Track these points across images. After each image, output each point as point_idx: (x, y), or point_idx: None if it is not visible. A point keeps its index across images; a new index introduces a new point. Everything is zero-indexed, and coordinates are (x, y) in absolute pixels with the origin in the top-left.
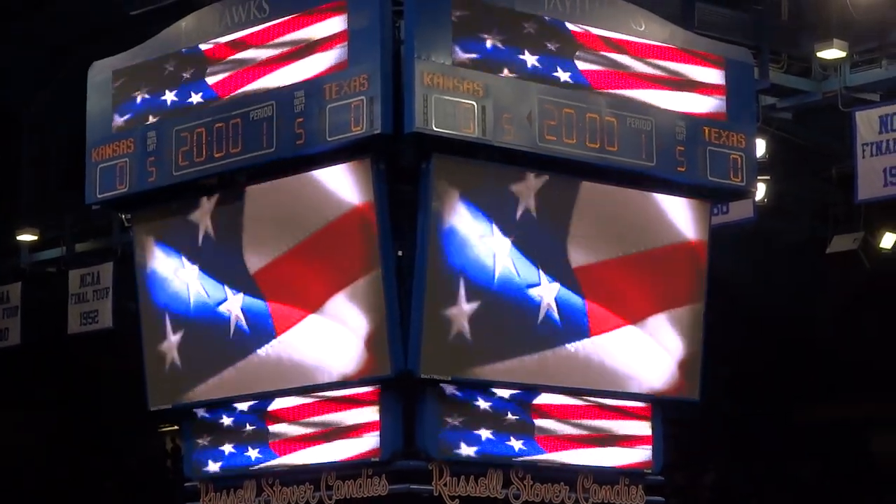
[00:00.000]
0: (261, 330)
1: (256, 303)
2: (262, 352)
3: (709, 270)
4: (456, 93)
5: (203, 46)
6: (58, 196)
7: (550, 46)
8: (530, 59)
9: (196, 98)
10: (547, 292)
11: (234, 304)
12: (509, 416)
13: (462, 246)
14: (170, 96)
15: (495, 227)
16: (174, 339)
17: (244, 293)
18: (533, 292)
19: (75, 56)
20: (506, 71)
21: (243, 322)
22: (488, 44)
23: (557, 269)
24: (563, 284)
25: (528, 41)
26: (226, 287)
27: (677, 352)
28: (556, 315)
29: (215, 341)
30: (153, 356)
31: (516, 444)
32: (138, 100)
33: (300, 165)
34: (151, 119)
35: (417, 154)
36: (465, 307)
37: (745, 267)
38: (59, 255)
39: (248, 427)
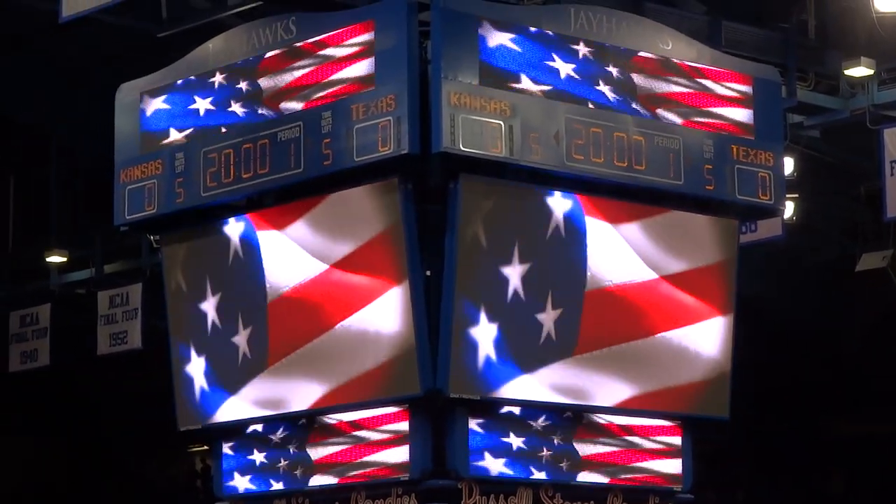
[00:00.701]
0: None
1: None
2: (286, 372)
3: (737, 289)
4: (483, 112)
5: (231, 67)
6: (86, 218)
7: (581, 67)
8: (558, 79)
9: (224, 119)
10: (551, 316)
11: (244, 336)
12: (539, 434)
13: (487, 266)
14: (198, 117)
15: (516, 250)
16: (200, 360)
17: (253, 325)
18: (540, 316)
19: (101, 78)
20: (534, 90)
21: (254, 349)
22: (517, 64)
23: (568, 294)
24: (566, 309)
25: (555, 63)
26: (240, 319)
27: (706, 370)
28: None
29: (232, 366)
30: (181, 377)
31: (545, 464)
32: (166, 121)
33: (328, 186)
34: (179, 140)
35: (445, 174)
36: (489, 327)
37: (773, 285)
38: (88, 276)
39: (278, 447)
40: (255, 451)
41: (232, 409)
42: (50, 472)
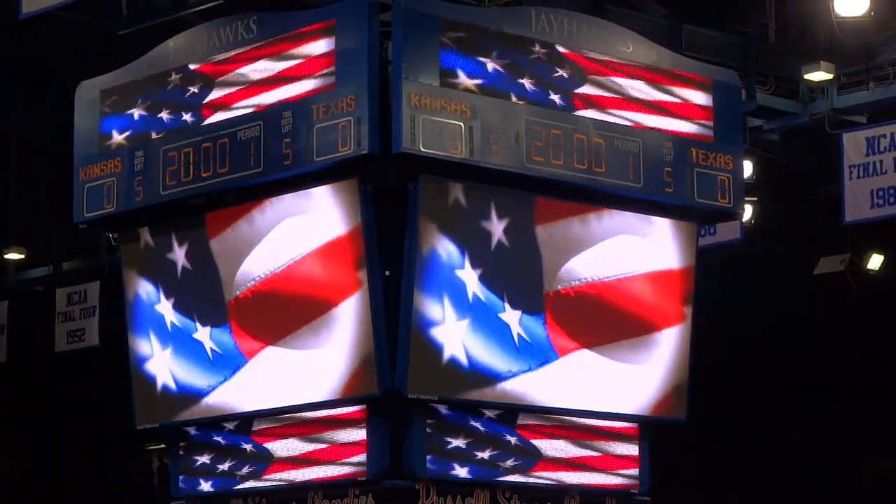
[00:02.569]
0: (236, 354)
1: (224, 333)
2: (246, 373)
3: (695, 292)
4: (443, 113)
5: (191, 66)
6: (45, 215)
7: (540, 69)
8: (518, 82)
9: (184, 118)
10: (513, 318)
11: (204, 335)
12: (496, 436)
13: (447, 267)
14: (160, 114)
15: (467, 257)
16: (159, 359)
17: (213, 326)
18: (502, 317)
19: (60, 76)
20: (493, 92)
21: (216, 349)
22: (476, 66)
23: (525, 297)
24: (526, 312)
25: (517, 63)
26: (196, 320)
27: (663, 373)
28: (526, 338)
29: (197, 364)
30: (139, 375)
31: (503, 465)
32: (126, 118)
33: (287, 185)
34: (139, 138)
35: (405, 175)
36: (451, 328)
37: (732, 288)
38: (46, 273)
39: (236, 446)
40: (213, 450)
41: (190, 408)
42: (8, 469)
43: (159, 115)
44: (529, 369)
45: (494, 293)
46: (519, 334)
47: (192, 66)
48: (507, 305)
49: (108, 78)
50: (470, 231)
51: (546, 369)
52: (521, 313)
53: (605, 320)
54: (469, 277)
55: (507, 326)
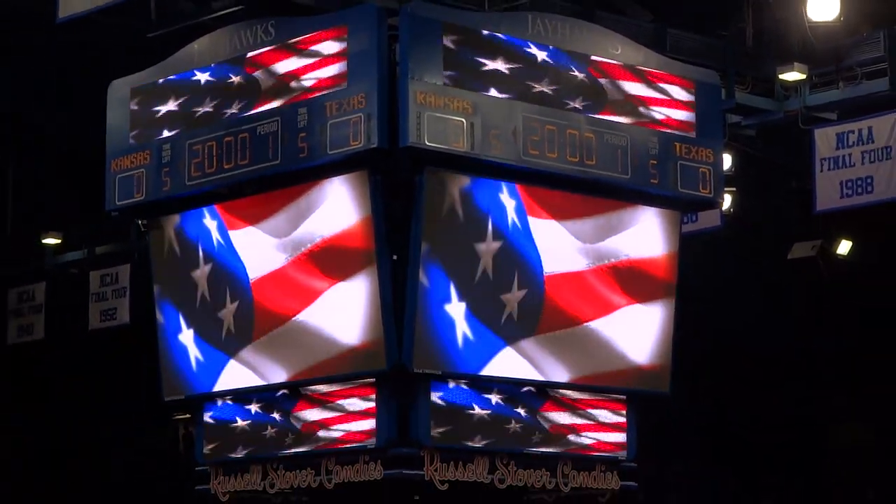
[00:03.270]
0: (250, 331)
1: (249, 307)
2: (264, 345)
3: (679, 274)
4: (447, 110)
5: (214, 66)
6: (80, 203)
7: (535, 69)
8: (516, 81)
9: (207, 114)
10: (512, 297)
11: (229, 312)
12: (496, 408)
13: (452, 249)
14: (184, 112)
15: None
16: (184, 334)
17: (241, 300)
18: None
19: (93, 72)
20: (493, 91)
21: (233, 325)
22: (477, 66)
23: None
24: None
25: (514, 64)
26: (227, 294)
27: (650, 350)
28: (516, 315)
29: (217, 339)
30: (166, 350)
31: (500, 435)
32: (155, 115)
33: (302, 176)
34: (166, 133)
35: (411, 166)
36: (455, 306)
37: (712, 272)
38: (80, 257)
39: (255, 417)
40: (235, 421)
41: (214, 380)
42: (40, 438)
43: (184, 111)
44: (526, 345)
45: (503, 272)
46: (513, 313)
47: (214, 66)
48: (514, 286)
49: (138, 77)
50: (479, 212)
51: (542, 346)
52: (525, 291)
53: (596, 302)
54: (484, 255)
55: (504, 305)
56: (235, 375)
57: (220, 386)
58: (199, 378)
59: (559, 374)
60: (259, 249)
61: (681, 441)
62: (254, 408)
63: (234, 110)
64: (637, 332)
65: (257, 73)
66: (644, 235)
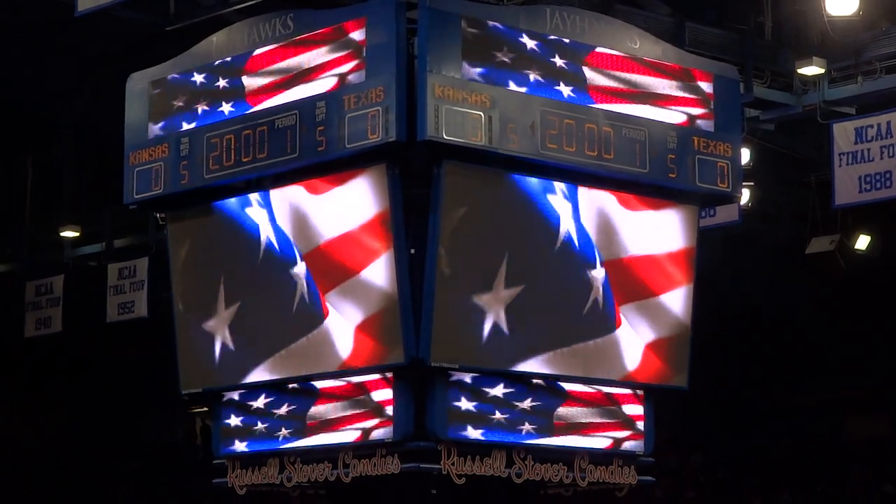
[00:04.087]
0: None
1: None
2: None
3: (697, 269)
4: (465, 104)
5: (233, 60)
6: (98, 196)
7: (553, 63)
8: (534, 76)
9: (226, 108)
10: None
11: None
12: (513, 402)
13: (469, 243)
14: (202, 105)
15: (497, 232)
16: (202, 327)
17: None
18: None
19: (111, 66)
20: (511, 85)
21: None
22: (495, 61)
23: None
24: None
25: (532, 60)
26: (243, 291)
27: (666, 343)
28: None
29: (234, 333)
30: (184, 343)
31: (519, 428)
32: (173, 108)
33: (321, 170)
34: (185, 126)
35: (429, 160)
36: (473, 301)
37: (730, 266)
38: (99, 250)
39: (273, 410)
40: (252, 414)
41: (230, 374)
42: (59, 432)
43: (204, 105)
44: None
45: (519, 268)
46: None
47: (233, 60)
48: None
49: (157, 70)
50: (497, 205)
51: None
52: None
53: (618, 294)
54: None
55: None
56: (249, 369)
57: (234, 379)
58: (216, 372)
59: (577, 369)
60: (285, 239)
61: (699, 435)
62: (268, 401)
63: (252, 103)
64: (655, 328)
65: (276, 66)
66: (662, 230)
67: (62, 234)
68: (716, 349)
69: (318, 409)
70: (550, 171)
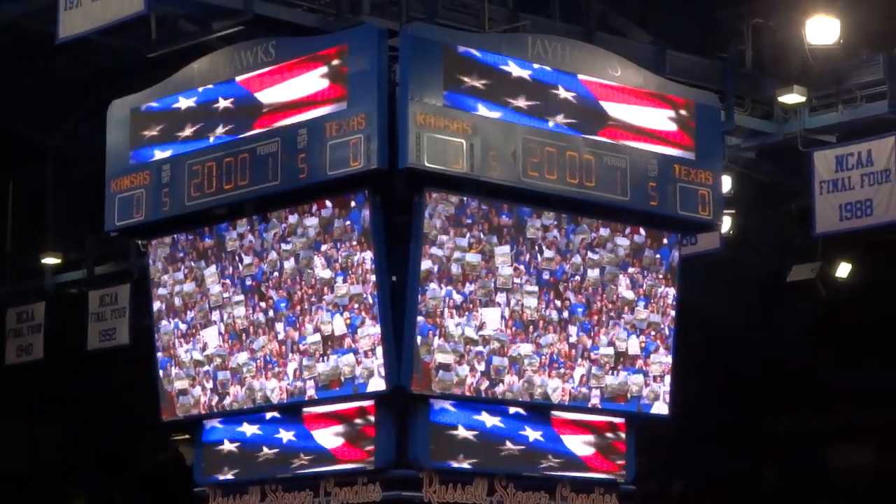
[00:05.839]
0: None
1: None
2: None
3: (679, 297)
4: (446, 131)
5: (215, 87)
6: (80, 223)
7: (536, 91)
8: (515, 104)
9: (208, 135)
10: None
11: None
12: (493, 430)
13: (448, 271)
14: (184, 132)
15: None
16: (180, 354)
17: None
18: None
19: (96, 93)
20: (493, 113)
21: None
22: (477, 89)
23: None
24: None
25: (514, 87)
26: (221, 315)
27: (648, 366)
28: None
29: (211, 360)
30: (164, 370)
31: (499, 457)
32: (155, 135)
33: (302, 197)
34: (166, 153)
35: (411, 187)
36: (453, 329)
37: (712, 294)
38: (80, 277)
39: (254, 438)
40: (233, 441)
41: (211, 401)
42: (44, 460)
43: (185, 132)
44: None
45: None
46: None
47: (215, 87)
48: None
49: (138, 97)
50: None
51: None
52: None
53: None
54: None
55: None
56: (231, 396)
57: (215, 406)
58: (195, 398)
59: (559, 395)
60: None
61: (681, 463)
62: (252, 429)
63: (234, 131)
64: (637, 356)
65: (258, 94)
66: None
67: (44, 260)
68: (697, 377)
69: (300, 436)
70: (531, 198)
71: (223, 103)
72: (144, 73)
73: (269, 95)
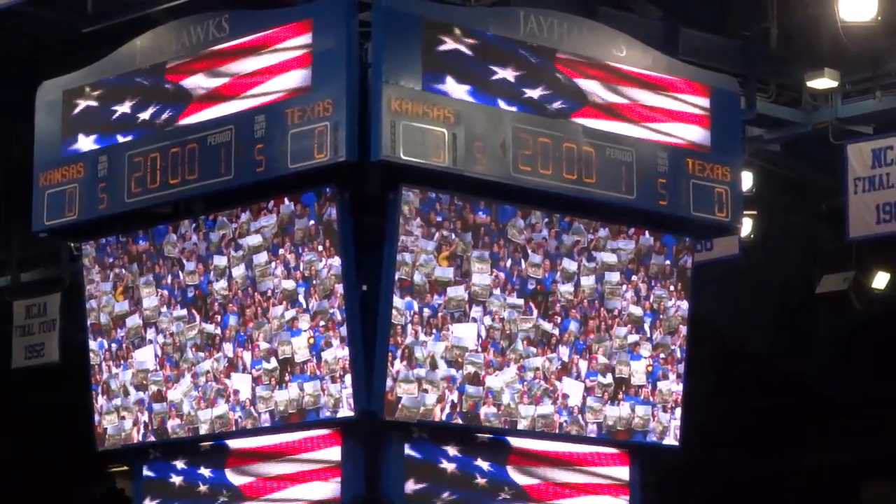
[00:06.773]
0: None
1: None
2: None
3: (692, 309)
4: (425, 119)
5: (159, 66)
6: (3, 222)
7: (529, 73)
8: (506, 87)
9: (151, 121)
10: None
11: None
12: (480, 462)
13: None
14: (124, 119)
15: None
16: (117, 377)
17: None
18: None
19: (22, 75)
20: (479, 98)
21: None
22: (461, 69)
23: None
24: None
25: (504, 67)
26: (165, 334)
27: (655, 395)
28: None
29: (153, 385)
30: (100, 393)
31: (486, 492)
32: (91, 122)
33: (259, 194)
34: (104, 143)
35: (384, 183)
36: (431, 348)
37: (729, 306)
38: (3, 284)
39: (205, 469)
40: (177, 475)
41: (153, 429)
42: None
43: (124, 119)
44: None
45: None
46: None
47: (159, 67)
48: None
49: (71, 78)
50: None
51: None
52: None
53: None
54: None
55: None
56: (175, 425)
57: (157, 436)
58: (135, 426)
59: (548, 427)
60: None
61: (693, 500)
62: (196, 460)
63: (180, 117)
64: (641, 377)
65: (208, 75)
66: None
67: None
68: (712, 400)
69: (257, 467)
70: (523, 196)
71: (169, 86)
72: (78, 51)
73: (221, 77)
